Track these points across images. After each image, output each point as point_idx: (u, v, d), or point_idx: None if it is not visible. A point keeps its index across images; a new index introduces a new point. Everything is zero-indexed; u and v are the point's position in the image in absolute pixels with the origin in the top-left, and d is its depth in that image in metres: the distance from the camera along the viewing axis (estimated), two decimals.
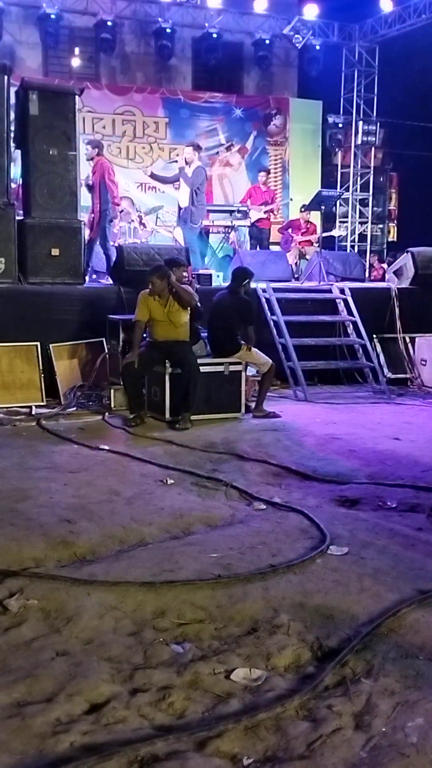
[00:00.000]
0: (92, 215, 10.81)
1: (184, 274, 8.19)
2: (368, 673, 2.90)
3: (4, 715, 2.60)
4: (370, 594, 3.55)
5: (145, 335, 7.74)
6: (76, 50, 16.29)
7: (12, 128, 8.79)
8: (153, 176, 12.38)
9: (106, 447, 6.40)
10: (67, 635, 3.18)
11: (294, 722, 2.60)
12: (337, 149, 17.79)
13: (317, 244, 12.83)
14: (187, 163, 11.27)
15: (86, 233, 9.88)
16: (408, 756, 2.43)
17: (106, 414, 7.70)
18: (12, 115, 8.78)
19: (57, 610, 3.36)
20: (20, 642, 3.11)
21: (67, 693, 2.72)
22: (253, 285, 8.95)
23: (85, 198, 10.56)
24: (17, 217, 8.89)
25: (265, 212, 13.27)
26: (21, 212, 9.19)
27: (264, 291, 9.66)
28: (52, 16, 14.77)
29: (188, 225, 11.24)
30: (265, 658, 3.02)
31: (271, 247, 13.77)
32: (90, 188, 10.79)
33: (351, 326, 10.06)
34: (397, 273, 11.20)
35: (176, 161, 12.02)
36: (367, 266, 13.82)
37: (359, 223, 17.57)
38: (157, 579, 3.66)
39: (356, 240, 17.47)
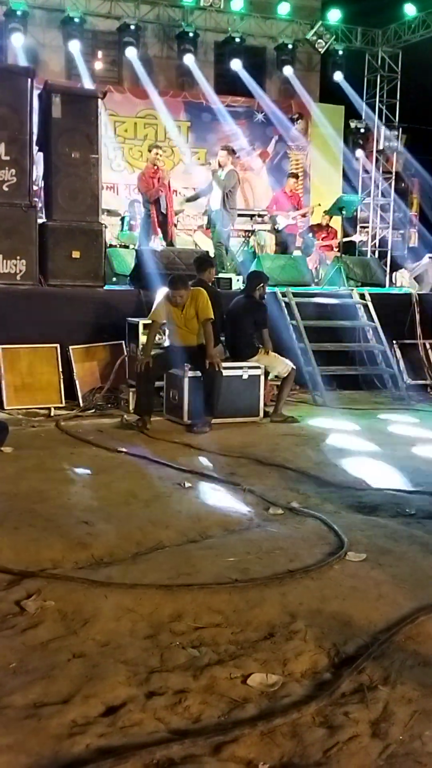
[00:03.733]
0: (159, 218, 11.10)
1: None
2: (385, 680, 2.88)
3: (21, 715, 2.60)
4: (388, 601, 3.53)
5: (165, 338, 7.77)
6: (99, 53, 16.33)
7: (35, 131, 8.84)
8: (189, 200, 12.48)
9: (125, 449, 6.41)
10: (83, 637, 3.18)
11: (310, 729, 2.59)
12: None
13: (337, 249, 12.80)
14: (220, 166, 11.30)
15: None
16: (425, 765, 2.42)
17: (125, 416, 7.71)
18: (35, 118, 8.83)
19: (74, 612, 3.36)
20: (37, 643, 3.12)
21: (83, 695, 2.72)
22: (272, 289, 8.93)
23: (107, 201, 10.64)
24: (39, 220, 8.94)
25: (293, 218, 13.22)
26: (42, 214, 9.24)
27: (283, 295, 9.64)
28: (76, 20, 14.82)
29: (219, 228, 11.26)
30: (281, 664, 3.01)
31: (295, 252, 13.74)
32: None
33: (371, 332, 10.03)
34: (418, 279, 11.17)
35: (210, 163, 12.10)
36: (388, 272, 13.75)
37: (380, 228, 17.52)
38: (174, 582, 3.65)
39: (377, 245, 17.43)
